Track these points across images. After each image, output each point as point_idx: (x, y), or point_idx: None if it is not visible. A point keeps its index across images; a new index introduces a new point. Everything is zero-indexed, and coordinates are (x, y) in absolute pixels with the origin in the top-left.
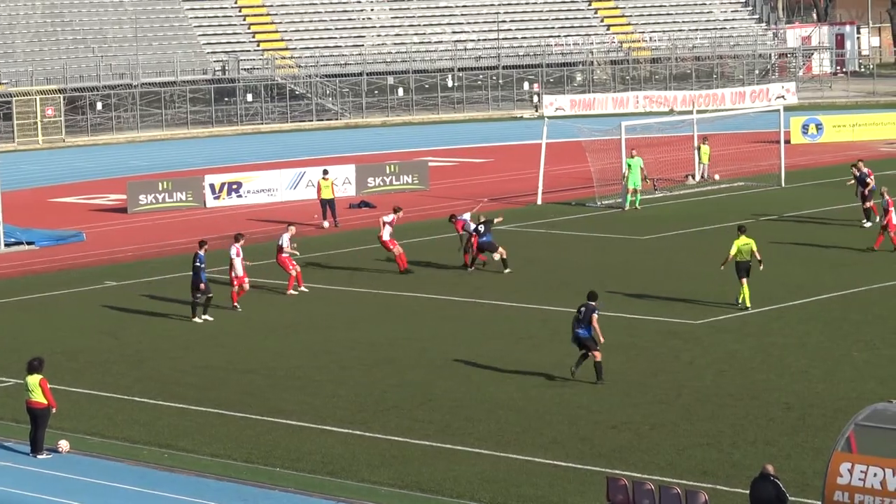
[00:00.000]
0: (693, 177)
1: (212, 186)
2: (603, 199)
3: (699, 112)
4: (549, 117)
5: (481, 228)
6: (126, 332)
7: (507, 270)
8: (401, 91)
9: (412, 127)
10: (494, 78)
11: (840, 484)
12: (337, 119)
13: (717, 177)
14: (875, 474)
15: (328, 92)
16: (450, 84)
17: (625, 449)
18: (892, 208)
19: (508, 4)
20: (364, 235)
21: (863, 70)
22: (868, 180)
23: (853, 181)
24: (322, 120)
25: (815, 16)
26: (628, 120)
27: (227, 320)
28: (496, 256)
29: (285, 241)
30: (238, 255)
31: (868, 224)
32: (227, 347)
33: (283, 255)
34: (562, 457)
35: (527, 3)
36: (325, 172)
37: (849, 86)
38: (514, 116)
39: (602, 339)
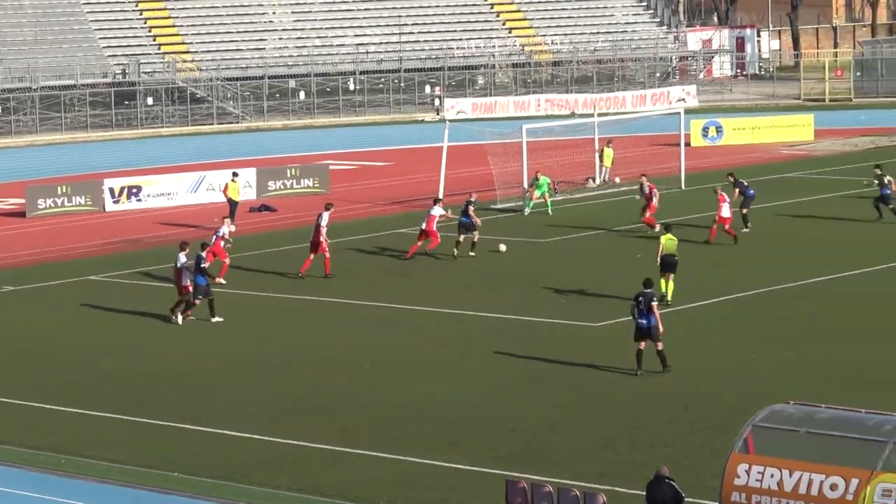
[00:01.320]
0: (594, 180)
1: (111, 190)
2: (504, 201)
3: (600, 115)
4: (450, 120)
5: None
6: (25, 337)
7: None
8: (302, 94)
9: (313, 130)
10: (396, 81)
11: (737, 485)
12: (238, 122)
13: (617, 180)
14: (772, 475)
15: (229, 95)
16: (351, 87)
17: (524, 451)
18: (722, 203)
19: (410, 8)
20: (265, 239)
21: (763, 73)
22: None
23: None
24: (223, 123)
25: (715, 19)
26: (530, 123)
27: (131, 326)
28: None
29: (225, 231)
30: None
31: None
32: (131, 352)
33: (221, 244)
34: (461, 460)
35: (428, 7)
36: (235, 175)
37: (749, 89)
38: (416, 119)
39: (662, 328)
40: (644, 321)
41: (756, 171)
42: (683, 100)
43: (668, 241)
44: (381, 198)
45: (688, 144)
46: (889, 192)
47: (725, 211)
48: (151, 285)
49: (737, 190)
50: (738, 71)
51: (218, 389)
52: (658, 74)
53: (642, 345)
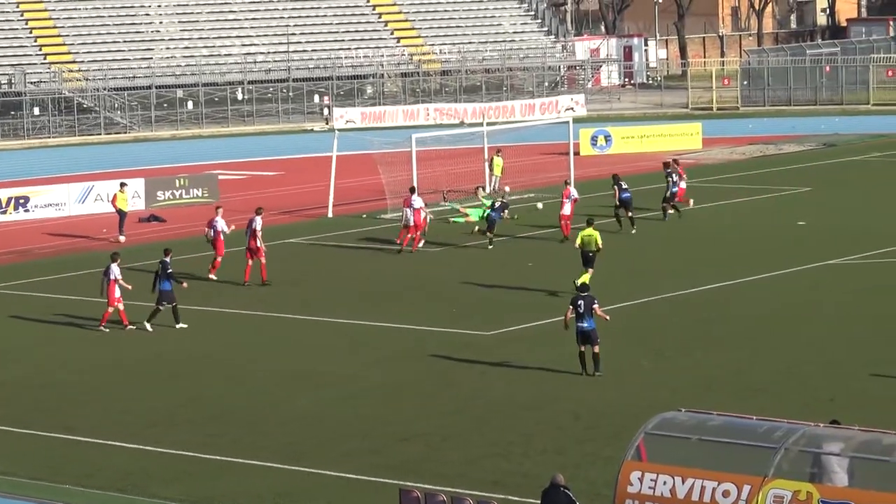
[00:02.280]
0: (484, 189)
1: None
2: (395, 210)
3: (489, 124)
4: (339, 130)
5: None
6: None
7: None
8: (190, 104)
9: (202, 140)
10: (285, 91)
11: (630, 492)
12: (126, 132)
13: (507, 189)
14: (665, 482)
15: (116, 105)
16: (240, 97)
17: (417, 460)
18: (566, 200)
19: (298, 17)
20: (156, 250)
21: (650, 82)
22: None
23: None
24: (111, 133)
25: (603, 28)
26: (419, 132)
27: (22, 334)
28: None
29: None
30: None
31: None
32: (21, 362)
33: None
34: (354, 469)
35: (317, 16)
36: (123, 185)
37: (637, 98)
38: (305, 129)
39: (607, 318)
40: (585, 324)
41: (645, 180)
42: (572, 109)
43: (586, 236)
44: (271, 207)
45: (577, 153)
46: (676, 189)
47: (567, 208)
48: (41, 296)
49: (615, 188)
50: (626, 80)
51: (108, 400)
52: (546, 84)
53: (583, 347)
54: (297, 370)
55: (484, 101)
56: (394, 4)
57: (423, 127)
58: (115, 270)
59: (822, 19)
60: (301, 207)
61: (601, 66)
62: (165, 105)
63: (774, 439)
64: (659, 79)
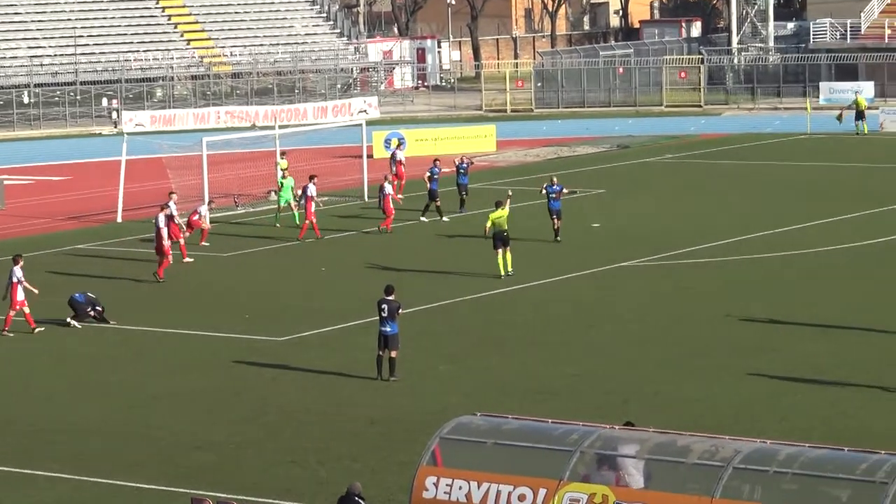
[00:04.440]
0: (276, 192)
1: None
2: (185, 216)
3: (281, 127)
4: (128, 133)
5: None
6: None
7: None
8: None
9: None
10: (72, 94)
11: (426, 498)
12: None
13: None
14: (460, 487)
15: None
16: (26, 100)
17: (209, 469)
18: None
19: (86, 19)
20: None
21: (444, 84)
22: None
23: None
24: None
25: (396, 30)
26: (210, 135)
27: None
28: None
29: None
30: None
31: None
32: None
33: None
34: (144, 479)
35: (104, 18)
36: None
37: (430, 100)
38: (93, 133)
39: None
40: (387, 329)
41: (442, 182)
42: (365, 111)
43: (497, 217)
44: (59, 213)
45: (370, 156)
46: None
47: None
48: None
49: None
50: (420, 82)
51: None
52: (339, 86)
53: (382, 352)
54: (79, 379)
55: (276, 103)
56: (183, 6)
57: (213, 130)
58: (18, 273)
59: (615, 21)
60: (89, 213)
61: (394, 69)
62: None
63: (570, 442)
64: (452, 81)
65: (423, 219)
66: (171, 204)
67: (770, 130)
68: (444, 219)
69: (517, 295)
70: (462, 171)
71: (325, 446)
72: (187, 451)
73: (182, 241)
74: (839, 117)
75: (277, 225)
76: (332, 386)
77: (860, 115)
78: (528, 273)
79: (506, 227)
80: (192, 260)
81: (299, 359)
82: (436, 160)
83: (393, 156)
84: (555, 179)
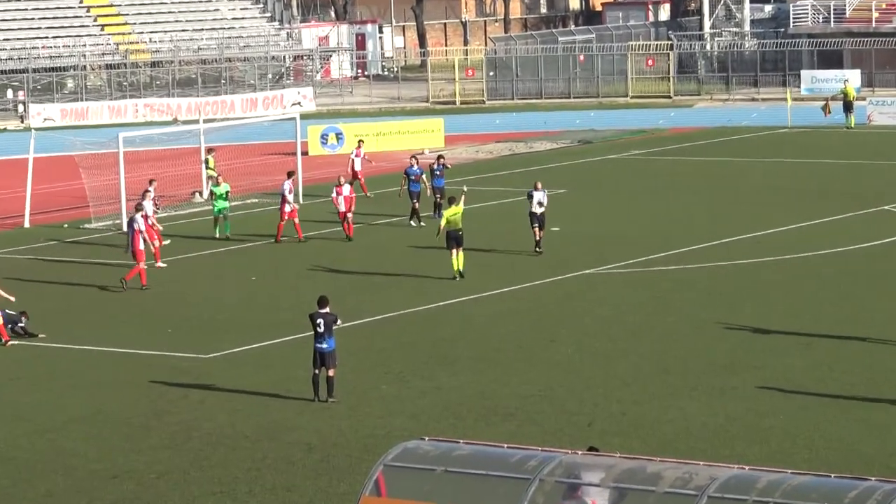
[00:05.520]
0: (201, 193)
1: None
2: (100, 219)
3: (206, 121)
4: (36, 129)
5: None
6: None
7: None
8: None
9: None
10: None
11: None
12: None
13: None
14: None
15: None
16: None
17: (128, 500)
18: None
19: None
20: None
21: (386, 73)
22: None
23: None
24: None
25: (332, 14)
26: (127, 131)
27: None
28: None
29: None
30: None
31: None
32: None
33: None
34: None
35: (9, 2)
36: None
37: (371, 91)
38: None
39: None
40: (324, 345)
41: (381, 182)
42: (299, 104)
43: (451, 214)
44: None
45: (305, 153)
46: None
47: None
48: None
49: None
50: (359, 71)
51: None
52: (270, 76)
53: (318, 370)
54: None
55: (200, 95)
56: None
57: (131, 125)
58: None
59: (574, 4)
60: None
61: (331, 56)
62: None
63: (528, 469)
64: (396, 70)
65: (412, 224)
66: (146, 203)
67: (747, 123)
68: (421, 224)
69: (471, 306)
70: (437, 172)
71: (257, 475)
72: (104, 481)
73: (157, 245)
74: (825, 109)
75: (217, 236)
76: (264, 408)
77: (848, 107)
78: (483, 282)
79: (460, 226)
80: (164, 265)
81: (228, 378)
82: (413, 156)
83: (352, 164)
84: (538, 185)
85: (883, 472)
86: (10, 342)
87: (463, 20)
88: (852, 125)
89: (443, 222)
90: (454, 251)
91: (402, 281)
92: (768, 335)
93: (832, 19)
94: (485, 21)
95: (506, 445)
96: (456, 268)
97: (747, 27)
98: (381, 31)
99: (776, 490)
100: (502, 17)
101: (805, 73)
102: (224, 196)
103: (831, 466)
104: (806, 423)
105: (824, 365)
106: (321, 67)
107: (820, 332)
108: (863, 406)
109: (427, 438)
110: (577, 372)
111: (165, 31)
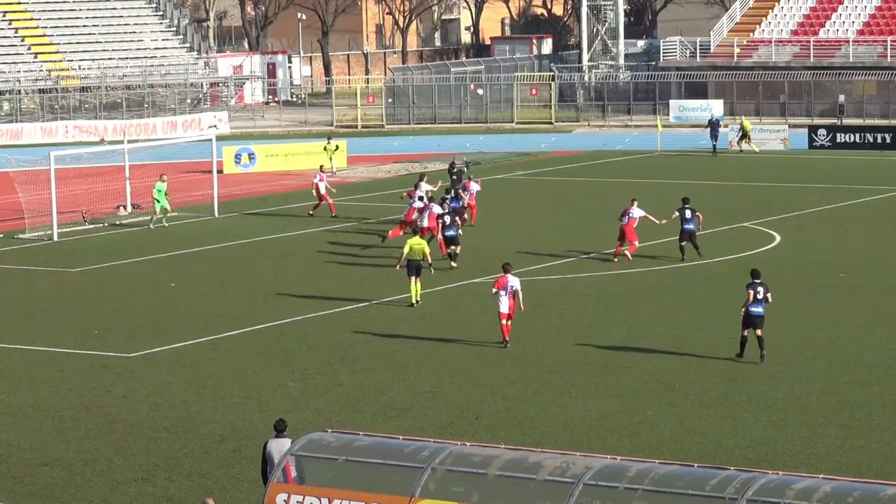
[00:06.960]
0: (125, 207)
1: None
2: (33, 230)
3: (131, 142)
4: None
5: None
6: None
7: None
8: None
9: None
10: None
11: None
12: None
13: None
14: None
15: None
16: None
17: (57, 486)
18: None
19: None
20: None
21: (295, 99)
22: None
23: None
24: None
25: (246, 45)
26: (58, 150)
27: None
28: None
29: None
30: None
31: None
32: None
33: None
34: None
35: None
36: None
37: (281, 115)
38: None
39: None
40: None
41: (292, 198)
42: (215, 126)
43: (416, 244)
44: None
45: (220, 172)
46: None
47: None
48: None
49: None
50: (270, 97)
51: None
52: (189, 101)
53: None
54: None
55: (125, 118)
56: (31, 19)
57: (62, 144)
58: None
59: (466, 37)
60: None
61: (244, 84)
62: None
63: (421, 459)
64: (303, 96)
65: (454, 264)
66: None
67: (621, 148)
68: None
69: (371, 311)
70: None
71: (175, 463)
72: (35, 467)
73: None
74: (739, 143)
75: (152, 227)
76: (181, 402)
77: (744, 136)
78: (382, 290)
79: (420, 257)
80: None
81: (148, 375)
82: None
83: (316, 188)
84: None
85: (741, 463)
86: None
87: (364, 52)
88: (757, 150)
89: (406, 249)
90: (413, 279)
91: (308, 286)
92: (641, 340)
93: (698, 54)
94: (384, 53)
95: (401, 437)
96: (414, 298)
97: (622, 60)
98: (290, 61)
99: (645, 478)
100: (401, 49)
101: (673, 103)
102: (163, 194)
103: (695, 457)
104: (672, 418)
105: (691, 368)
106: (235, 93)
107: (688, 339)
108: (724, 403)
109: (330, 430)
110: (466, 372)
111: (94, 59)
